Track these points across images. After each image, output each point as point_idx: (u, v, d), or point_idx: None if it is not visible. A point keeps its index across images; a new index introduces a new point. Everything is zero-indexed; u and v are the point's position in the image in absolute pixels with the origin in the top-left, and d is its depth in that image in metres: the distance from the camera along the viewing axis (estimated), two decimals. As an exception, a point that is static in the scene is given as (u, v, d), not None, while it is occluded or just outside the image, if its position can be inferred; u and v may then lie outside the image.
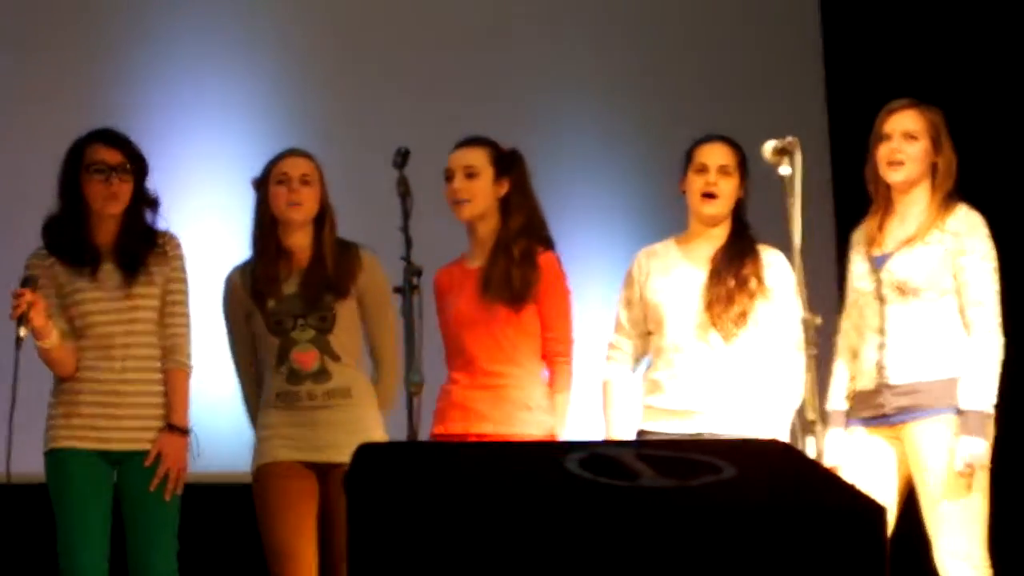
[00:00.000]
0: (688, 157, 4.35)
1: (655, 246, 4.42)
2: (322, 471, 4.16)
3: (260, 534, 4.16)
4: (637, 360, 4.39)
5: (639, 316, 4.35)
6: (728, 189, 4.29)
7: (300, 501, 4.14)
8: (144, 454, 4.10)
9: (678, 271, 4.32)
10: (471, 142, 4.37)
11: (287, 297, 4.20)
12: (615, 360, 4.38)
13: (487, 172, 4.32)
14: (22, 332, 3.92)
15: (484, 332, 4.27)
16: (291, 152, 4.29)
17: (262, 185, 4.26)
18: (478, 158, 4.32)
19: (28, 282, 4.01)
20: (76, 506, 4.02)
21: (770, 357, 4.25)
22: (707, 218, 4.32)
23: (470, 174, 4.31)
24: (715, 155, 4.31)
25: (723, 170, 4.29)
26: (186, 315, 4.21)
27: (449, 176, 4.33)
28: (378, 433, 4.19)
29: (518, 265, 4.26)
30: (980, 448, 4.00)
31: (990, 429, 4.05)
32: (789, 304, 4.16)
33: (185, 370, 4.18)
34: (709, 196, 4.28)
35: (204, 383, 4.37)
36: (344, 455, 4.04)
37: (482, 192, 4.32)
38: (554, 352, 4.33)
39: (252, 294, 4.21)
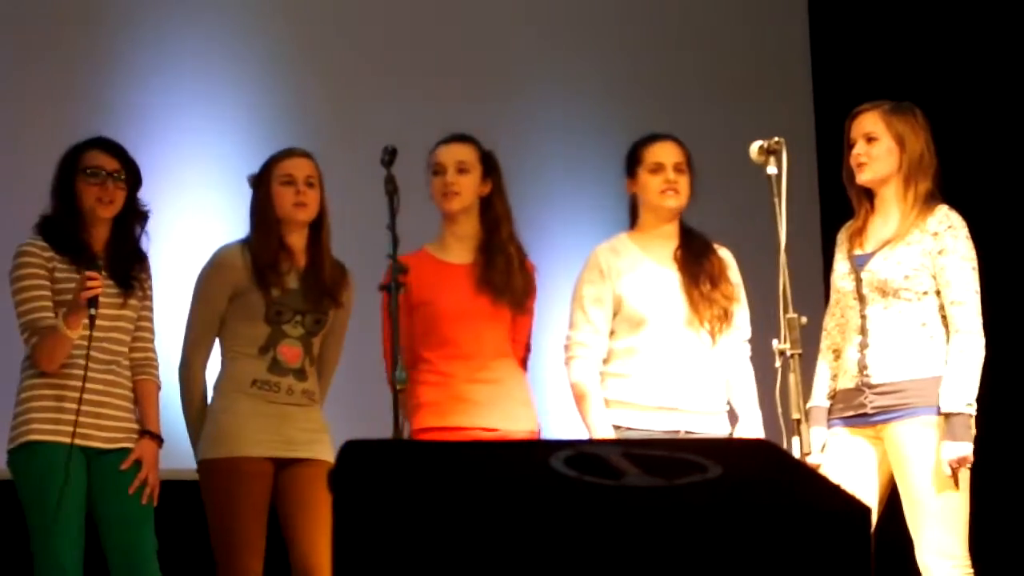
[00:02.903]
0: (635, 158, 4.38)
1: (612, 243, 4.42)
2: (281, 465, 4.16)
3: (213, 522, 4.11)
4: (602, 359, 4.35)
5: (609, 313, 4.34)
6: (685, 185, 4.35)
7: (264, 500, 4.14)
8: (117, 453, 4.10)
9: (646, 268, 4.34)
10: (461, 138, 4.38)
11: (291, 290, 4.19)
12: (586, 358, 4.32)
13: (476, 169, 4.34)
14: (93, 312, 3.95)
15: (486, 327, 4.28)
16: (294, 152, 4.27)
17: (262, 183, 4.24)
18: (469, 155, 4.35)
19: (97, 268, 4.02)
20: (61, 499, 4.00)
21: (737, 353, 4.37)
22: (668, 212, 4.36)
23: (462, 169, 4.32)
24: (669, 153, 4.36)
25: (678, 167, 4.34)
26: (154, 334, 4.25)
27: (440, 170, 4.33)
28: (327, 437, 4.21)
29: (518, 270, 4.31)
30: (965, 451, 4.02)
31: (972, 429, 4.06)
32: (744, 300, 4.40)
33: (158, 383, 4.23)
34: (670, 191, 4.31)
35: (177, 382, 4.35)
36: (305, 452, 4.14)
37: (471, 188, 4.33)
38: (519, 358, 4.40)
39: (256, 275, 4.17)
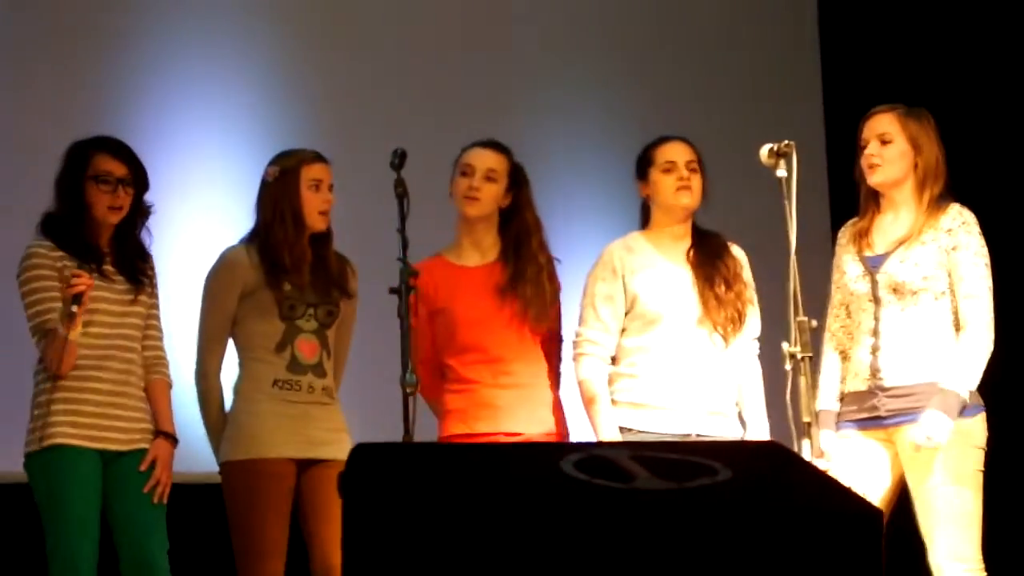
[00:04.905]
0: (647, 159, 4.38)
1: (626, 240, 4.41)
2: (303, 466, 4.15)
3: (235, 524, 4.10)
4: (612, 357, 4.34)
5: (621, 312, 4.33)
6: (698, 184, 4.35)
7: (287, 501, 4.12)
8: (134, 454, 4.11)
9: (660, 267, 4.34)
10: (496, 146, 4.39)
11: (301, 284, 4.18)
12: (595, 356, 4.31)
13: (503, 181, 4.35)
14: (75, 309, 3.92)
15: (506, 331, 4.27)
16: (323, 158, 4.25)
17: (288, 181, 4.20)
18: (501, 164, 4.35)
19: (91, 268, 4.03)
20: (78, 503, 4.01)
21: (746, 352, 4.37)
22: (682, 211, 4.36)
23: (490, 178, 4.33)
24: (681, 152, 4.37)
25: (690, 166, 4.35)
26: (162, 332, 4.25)
27: (468, 172, 4.33)
28: (347, 437, 4.19)
29: (547, 280, 4.32)
30: (945, 425, 3.97)
31: (957, 413, 4.03)
32: (755, 300, 4.39)
33: (169, 382, 4.22)
34: (684, 189, 4.32)
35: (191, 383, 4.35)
36: (327, 452, 4.11)
37: (495, 197, 4.34)
38: (548, 352, 4.38)
39: (268, 271, 4.15)
